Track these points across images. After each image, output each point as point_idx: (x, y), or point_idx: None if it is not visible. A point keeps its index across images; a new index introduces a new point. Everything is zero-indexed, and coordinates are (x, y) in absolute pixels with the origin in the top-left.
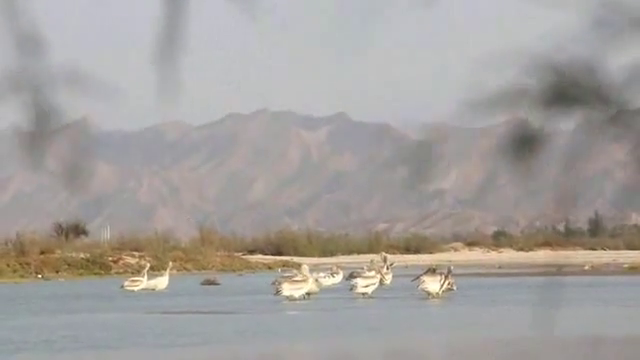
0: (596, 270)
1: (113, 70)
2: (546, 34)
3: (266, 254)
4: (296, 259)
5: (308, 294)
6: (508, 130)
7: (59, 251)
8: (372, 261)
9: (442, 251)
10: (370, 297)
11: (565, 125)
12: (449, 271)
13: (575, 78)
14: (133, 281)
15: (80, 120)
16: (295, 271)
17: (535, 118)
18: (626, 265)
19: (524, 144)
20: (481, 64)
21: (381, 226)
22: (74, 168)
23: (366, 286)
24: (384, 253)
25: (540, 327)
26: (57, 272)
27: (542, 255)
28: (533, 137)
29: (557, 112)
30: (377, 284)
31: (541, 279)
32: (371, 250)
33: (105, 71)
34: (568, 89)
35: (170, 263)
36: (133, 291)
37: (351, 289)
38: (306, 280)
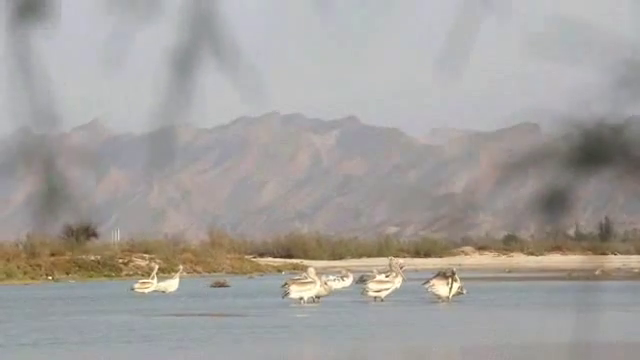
0: (607, 275)
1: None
2: (569, 93)
3: (276, 257)
4: (306, 262)
5: (318, 297)
6: (537, 191)
7: (69, 253)
8: (390, 264)
9: (452, 255)
10: (381, 301)
11: (593, 184)
12: (453, 273)
13: (601, 137)
14: (143, 283)
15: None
16: (304, 274)
17: (563, 178)
18: (637, 270)
19: (553, 203)
20: (508, 125)
21: (391, 230)
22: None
23: (378, 290)
24: (393, 257)
25: (577, 332)
26: (67, 274)
27: (554, 259)
28: (562, 197)
29: (585, 171)
30: (391, 288)
31: (562, 284)
32: (381, 254)
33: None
34: (594, 148)
35: (180, 266)
36: (143, 293)
37: (363, 293)
38: (314, 282)
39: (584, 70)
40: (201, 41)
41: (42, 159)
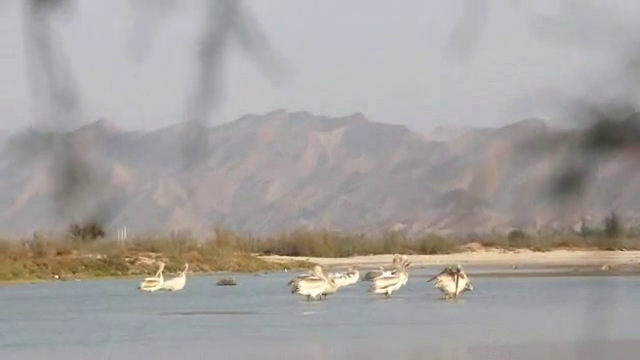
0: (614, 270)
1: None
2: (583, 76)
3: (282, 254)
4: (312, 259)
5: (324, 294)
6: (550, 172)
7: (76, 252)
8: (395, 260)
9: (458, 251)
10: (388, 297)
11: (606, 166)
12: (458, 270)
13: (614, 119)
14: (150, 282)
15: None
16: (311, 271)
17: (576, 160)
18: None
19: (566, 186)
20: (520, 107)
21: (397, 226)
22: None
23: (385, 287)
24: (398, 255)
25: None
26: (74, 273)
27: (560, 255)
28: (575, 179)
29: (597, 154)
30: (398, 285)
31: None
32: (387, 251)
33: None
34: (607, 131)
35: (186, 264)
36: (150, 292)
37: (370, 290)
38: (322, 279)
39: (594, 54)
40: (226, 29)
41: (63, 148)
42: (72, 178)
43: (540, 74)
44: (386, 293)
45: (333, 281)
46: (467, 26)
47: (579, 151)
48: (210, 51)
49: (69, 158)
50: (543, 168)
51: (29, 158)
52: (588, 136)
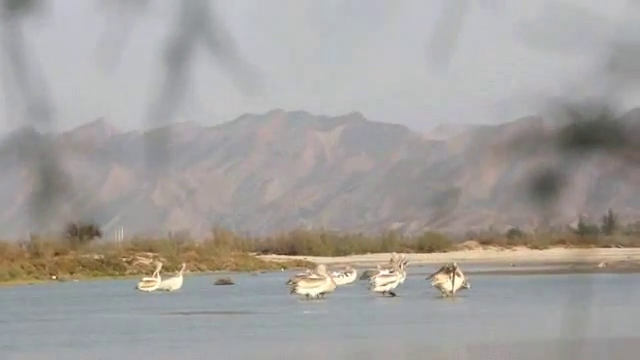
0: (611, 268)
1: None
2: (560, 76)
3: (280, 254)
4: (310, 259)
5: (322, 293)
6: (527, 174)
7: (73, 252)
8: (392, 259)
9: (456, 250)
10: (389, 295)
11: (584, 167)
12: (454, 267)
13: (591, 120)
14: (147, 282)
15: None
16: (309, 270)
17: (553, 161)
18: None
19: (543, 187)
20: (497, 108)
21: (395, 225)
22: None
23: (384, 284)
24: (396, 253)
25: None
26: (71, 273)
27: (558, 253)
28: (552, 180)
29: (575, 154)
30: (395, 283)
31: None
32: (385, 249)
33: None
34: (584, 131)
35: (183, 264)
36: (148, 292)
37: (370, 287)
38: (323, 279)
39: (574, 54)
40: (194, 34)
41: (40, 156)
42: (50, 186)
43: (540, 74)
44: (383, 292)
45: (331, 280)
46: (444, 34)
47: (556, 152)
48: (177, 55)
49: (47, 166)
50: (531, 167)
51: (10, 166)
52: (564, 136)
